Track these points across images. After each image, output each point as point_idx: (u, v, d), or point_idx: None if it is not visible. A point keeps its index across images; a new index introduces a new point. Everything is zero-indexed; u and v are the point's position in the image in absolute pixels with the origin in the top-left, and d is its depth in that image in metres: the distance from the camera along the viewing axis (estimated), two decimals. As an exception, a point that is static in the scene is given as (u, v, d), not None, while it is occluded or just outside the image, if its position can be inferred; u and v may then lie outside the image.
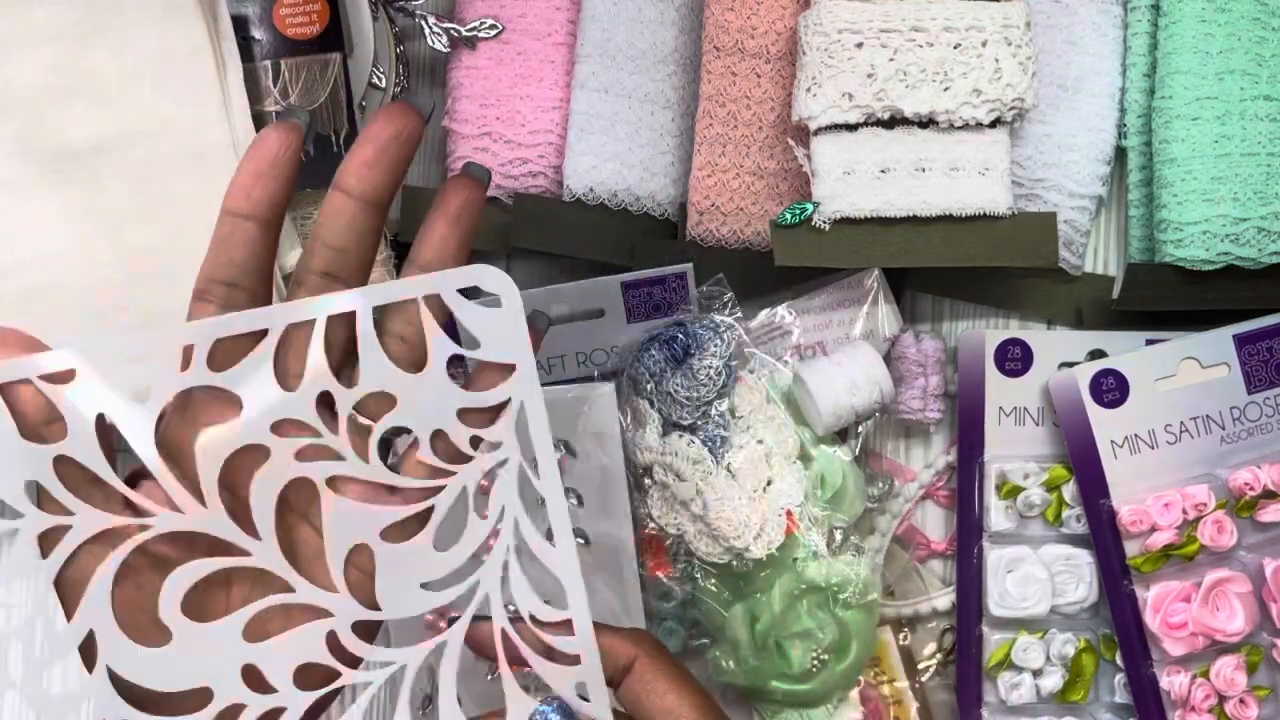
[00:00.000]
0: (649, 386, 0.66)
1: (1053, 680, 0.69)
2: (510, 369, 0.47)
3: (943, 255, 0.66)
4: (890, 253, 0.66)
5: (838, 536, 0.68)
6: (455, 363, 0.47)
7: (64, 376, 0.45)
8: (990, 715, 0.70)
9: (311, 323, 0.46)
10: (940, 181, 0.66)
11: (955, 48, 0.65)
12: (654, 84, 0.71)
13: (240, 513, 0.46)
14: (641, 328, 0.69)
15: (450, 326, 0.47)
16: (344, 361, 0.47)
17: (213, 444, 0.46)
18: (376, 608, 0.47)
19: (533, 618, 0.48)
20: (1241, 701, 0.67)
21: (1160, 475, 0.68)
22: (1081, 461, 0.68)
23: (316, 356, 0.46)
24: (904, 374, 0.70)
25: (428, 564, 0.47)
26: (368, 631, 0.48)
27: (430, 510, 0.47)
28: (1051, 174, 0.70)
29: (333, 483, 0.47)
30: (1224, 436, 0.68)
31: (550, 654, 0.48)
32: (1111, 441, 0.68)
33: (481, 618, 0.48)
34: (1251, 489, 0.67)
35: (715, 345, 0.66)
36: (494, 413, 0.47)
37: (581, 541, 0.67)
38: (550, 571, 0.47)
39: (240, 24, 0.67)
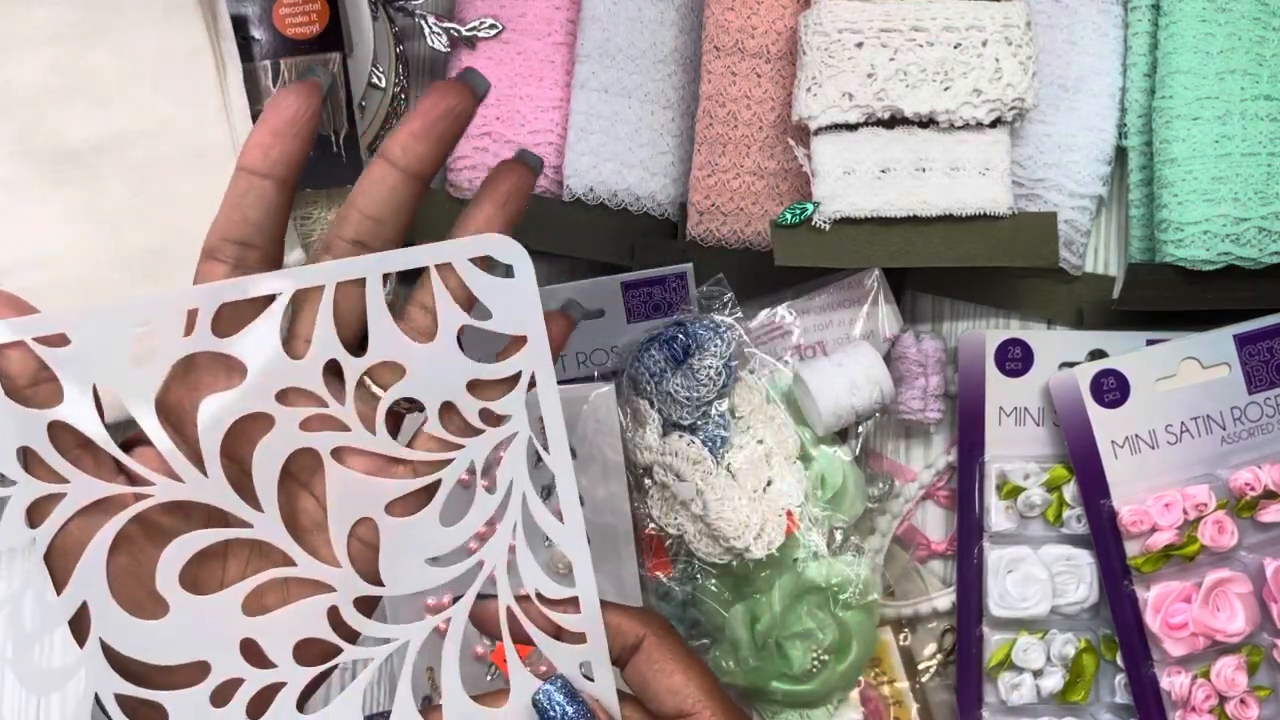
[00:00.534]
0: (649, 386, 0.66)
1: (1053, 681, 0.69)
2: (521, 341, 0.46)
3: (943, 255, 0.66)
4: (890, 253, 0.66)
5: (838, 537, 0.68)
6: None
7: (59, 340, 0.44)
8: (990, 716, 0.69)
9: (321, 289, 0.45)
10: (940, 181, 0.66)
11: (955, 47, 0.65)
12: (654, 84, 0.71)
13: (242, 483, 0.45)
14: (641, 328, 0.69)
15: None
16: (360, 331, 0.46)
17: (215, 411, 0.45)
18: (379, 583, 0.47)
19: (539, 594, 0.47)
20: (1242, 702, 0.67)
21: (1161, 475, 0.68)
22: (1082, 461, 0.68)
23: (325, 324, 0.45)
24: (904, 374, 0.70)
25: (432, 539, 0.46)
26: (369, 607, 0.47)
27: (437, 484, 0.47)
28: (1052, 174, 0.70)
29: (338, 454, 0.46)
30: (1224, 437, 0.68)
31: (558, 632, 0.47)
32: (1112, 441, 0.68)
33: (486, 596, 0.47)
34: (1252, 489, 0.67)
35: (715, 345, 0.66)
36: (504, 386, 0.46)
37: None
38: (557, 547, 0.47)
39: (240, 24, 0.67)
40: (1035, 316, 0.73)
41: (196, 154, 0.65)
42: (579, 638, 0.47)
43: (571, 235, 0.70)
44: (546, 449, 0.47)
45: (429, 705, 0.48)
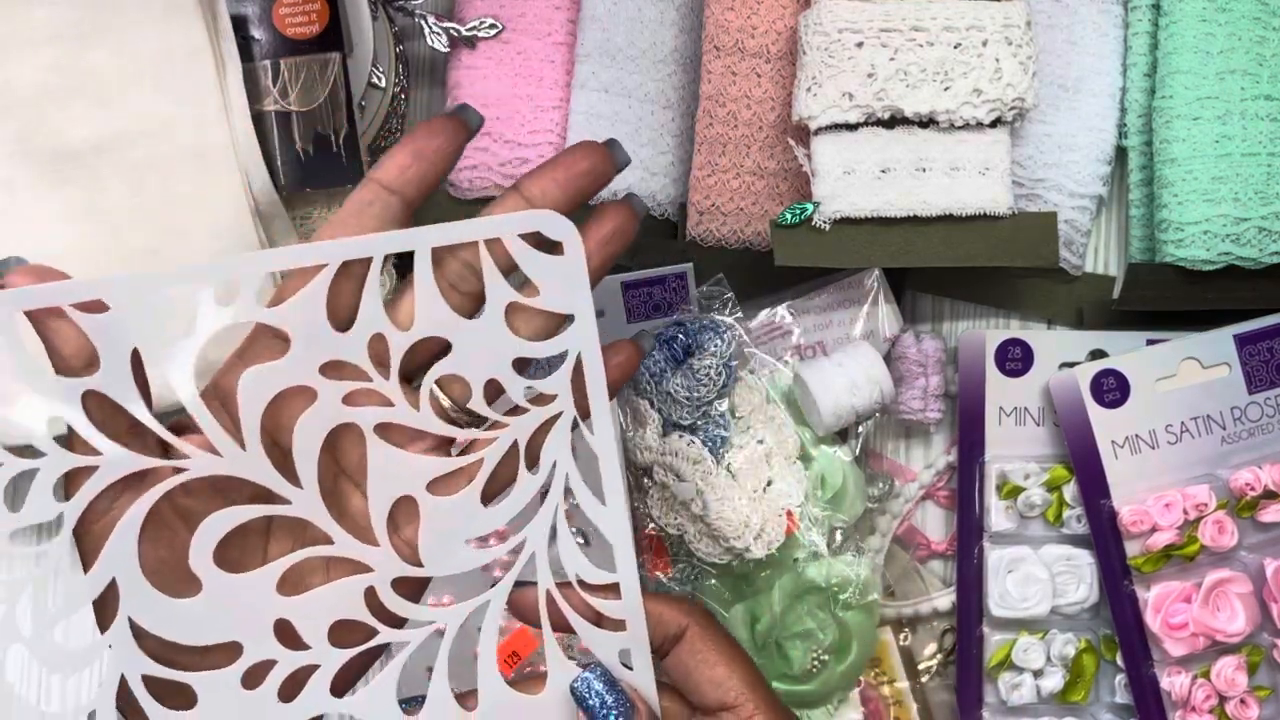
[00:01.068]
0: (649, 386, 0.66)
1: (1053, 681, 0.69)
2: (569, 319, 0.45)
3: (943, 255, 0.66)
4: (890, 253, 0.66)
5: (838, 537, 0.68)
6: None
7: (97, 306, 0.42)
8: (991, 716, 0.69)
9: (368, 261, 0.44)
10: (940, 181, 0.66)
11: (956, 47, 0.65)
12: (654, 84, 0.71)
13: (281, 459, 0.44)
14: (641, 328, 0.69)
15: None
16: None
17: (257, 382, 0.43)
18: (419, 564, 0.45)
19: (579, 580, 0.46)
20: (1242, 702, 0.67)
21: (1161, 475, 0.68)
22: (1082, 461, 0.68)
23: (371, 297, 0.44)
24: (904, 374, 0.70)
25: (474, 519, 0.45)
26: (408, 589, 0.46)
27: (479, 463, 0.46)
28: (1052, 174, 0.70)
29: (380, 430, 0.45)
30: (1225, 437, 0.68)
31: (598, 619, 0.46)
32: (1112, 441, 0.68)
33: (524, 583, 0.46)
34: (1252, 489, 0.67)
35: (715, 345, 0.66)
36: (550, 365, 0.45)
37: (581, 541, 0.67)
38: (599, 532, 0.46)
39: (240, 24, 0.67)
40: (1035, 316, 0.73)
41: (196, 154, 0.65)
42: (619, 625, 0.46)
43: (571, 235, 0.70)
44: (591, 431, 0.46)
45: (465, 692, 0.47)
